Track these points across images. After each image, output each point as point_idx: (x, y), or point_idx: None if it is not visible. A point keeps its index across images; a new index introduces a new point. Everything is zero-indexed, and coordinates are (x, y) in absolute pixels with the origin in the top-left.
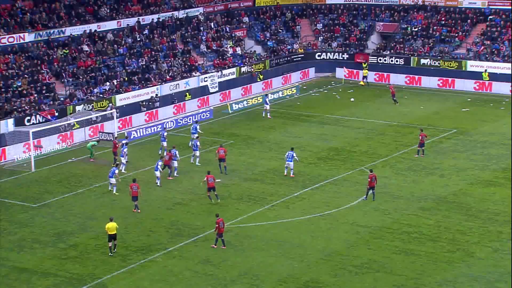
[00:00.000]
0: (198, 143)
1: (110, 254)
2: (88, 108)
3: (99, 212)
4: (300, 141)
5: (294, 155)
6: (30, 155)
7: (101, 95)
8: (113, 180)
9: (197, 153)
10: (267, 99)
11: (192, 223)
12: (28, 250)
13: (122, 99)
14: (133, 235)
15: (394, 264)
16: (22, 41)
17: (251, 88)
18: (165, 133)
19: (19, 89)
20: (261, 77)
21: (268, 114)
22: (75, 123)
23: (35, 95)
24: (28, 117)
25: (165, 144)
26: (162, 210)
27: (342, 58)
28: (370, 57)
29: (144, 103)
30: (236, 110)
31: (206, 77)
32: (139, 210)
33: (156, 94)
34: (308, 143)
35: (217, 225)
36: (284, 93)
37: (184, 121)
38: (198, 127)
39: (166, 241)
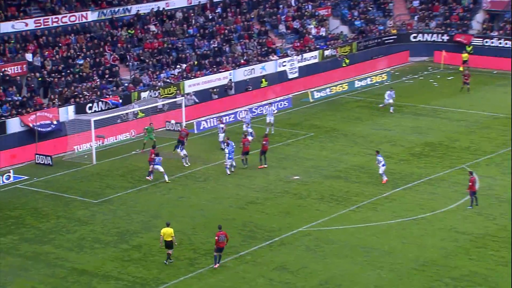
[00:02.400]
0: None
1: (165, 262)
2: (154, 95)
3: (164, 210)
4: (390, 135)
5: (381, 159)
6: (91, 146)
7: (168, 81)
8: (160, 168)
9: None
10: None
11: (267, 224)
12: (88, 250)
13: (191, 85)
14: (201, 237)
15: (500, 278)
16: (84, 20)
17: (336, 74)
18: (249, 118)
19: (80, 73)
20: (347, 61)
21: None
22: (139, 111)
23: (97, 79)
24: (90, 104)
25: (250, 130)
26: (234, 209)
27: (441, 40)
28: (474, 38)
29: (215, 90)
30: (317, 99)
31: (285, 62)
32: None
33: (230, 80)
34: (400, 137)
35: (216, 238)
36: (373, 79)
37: (260, 111)
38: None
39: (237, 244)
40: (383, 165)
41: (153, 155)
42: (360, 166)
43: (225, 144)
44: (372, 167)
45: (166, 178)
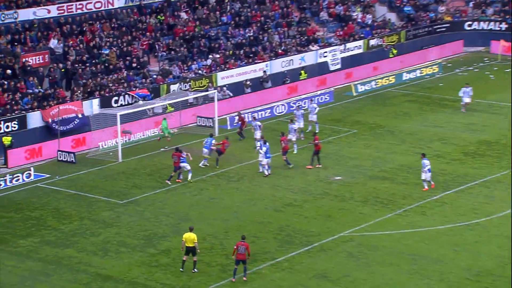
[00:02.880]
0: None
1: (181, 269)
2: (185, 87)
3: (194, 212)
4: (441, 132)
5: (427, 163)
6: (117, 143)
7: (200, 72)
8: (187, 166)
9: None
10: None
11: (306, 229)
12: (114, 254)
13: (225, 77)
14: (234, 241)
15: None
16: (110, 6)
17: (382, 65)
18: (301, 111)
19: (106, 63)
20: (395, 52)
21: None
22: (168, 105)
23: (124, 71)
24: (116, 97)
25: (302, 125)
26: (270, 212)
27: (498, 29)
28: None
29: (248, 83)
30: (361, 92)
31: (326, 52)
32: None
33: (264, 71)
34: (452, 135)
35: (235, 248)
36: (423, 71)
37: (298, 106)
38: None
39: (274, 249)
40: (428, 171)
41: (175, 157)
42: (407, 166)
43: (262, 142)
44: (421, 167)
45: (190, 176)
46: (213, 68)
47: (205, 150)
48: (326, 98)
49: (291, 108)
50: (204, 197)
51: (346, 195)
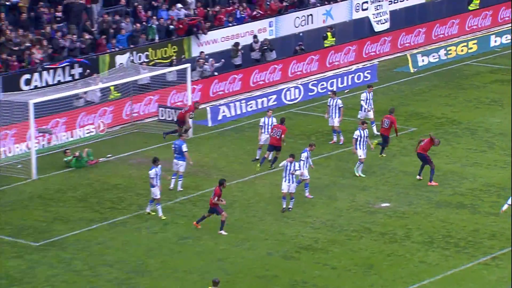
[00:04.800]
0: None
1: None
2: (139, 59)
3: (154, 261)
4: None
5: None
6: (29, 149)
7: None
8: (156, 192)
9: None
10: (369, 95)
11: (335, 286)
12: None
13: (205, 42)
14: None
15: None
16: None
17: (457, 23)
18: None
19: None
20: (477, 2)
21: (374, 129)
22: (112, 89)
23: (47, 26)
24: (27, 75)
25: (336, 123)
26: (276, 259)
27: None
28: None
29: (238, 52)
30: (423, 68)
31: (367, 3)
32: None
33: (265, 39)
34: None
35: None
36: None
37: (322, 88)
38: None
39: None
40: None
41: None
42: (498, 185)
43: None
44: None
45: (160, 212)
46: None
47: (178, 163)
48: (366, 77)
49: (311, 94)
50: (171, 236)
51: (400, 232)
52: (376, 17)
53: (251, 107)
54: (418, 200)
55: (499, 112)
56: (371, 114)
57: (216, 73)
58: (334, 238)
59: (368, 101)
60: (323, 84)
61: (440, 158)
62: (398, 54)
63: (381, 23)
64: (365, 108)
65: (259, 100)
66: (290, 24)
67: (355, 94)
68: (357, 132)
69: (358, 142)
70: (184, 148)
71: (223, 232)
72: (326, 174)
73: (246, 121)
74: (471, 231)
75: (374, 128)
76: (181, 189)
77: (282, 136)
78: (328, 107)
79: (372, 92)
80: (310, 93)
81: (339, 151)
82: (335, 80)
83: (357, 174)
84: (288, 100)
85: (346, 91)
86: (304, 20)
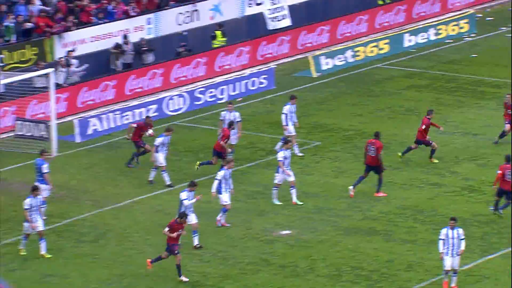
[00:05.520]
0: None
1: None
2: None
3: None
4: (478, 144)
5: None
6: None
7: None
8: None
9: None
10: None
11: None
12: None
13: (72, 42)
14: None
15: None
16: None
17: (366, 20)
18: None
19: None
20: None
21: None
22: None
23: None
24: None
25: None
26: None
27: None
28: None
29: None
30: (328, 72)
31: None
32: None
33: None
34: (498, 149)
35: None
36: (441, 32)
37: (211, 96)
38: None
39: None
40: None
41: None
42: (414, 207)
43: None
44: (446, 208)
45: (44, 248)
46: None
47: (42, 187)
48: (262, 83)
49: (197, 103)
50: (31, 274)
51: (302, 264)
52: (273, 13)
53: (127, 119)
54: (324, 227)
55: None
56: (293, 131)
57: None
58: (227, 273)
59: (291, 114)
60: (211, 92)
61: (348, 177)
62: (299, 56)
63: (278, 20)
64: (289, 124)
65: (137, 111)
66: (171, 21)
67: (249, 103)
68: (281, 154)
69: (284, 165)
70: (45, 169)
71: (183, 278)
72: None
73: (121, 136)
74: (385, 261)
75: (296, 148)
76: (45, 218)
77: (222, 142)
78: (222, 121)
79: (295, 105)
80: (196, 102)
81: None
82: (225, 87)
83: (274, 201)
84: (171, 111)
85: (238, 100)
86: (189, 16)
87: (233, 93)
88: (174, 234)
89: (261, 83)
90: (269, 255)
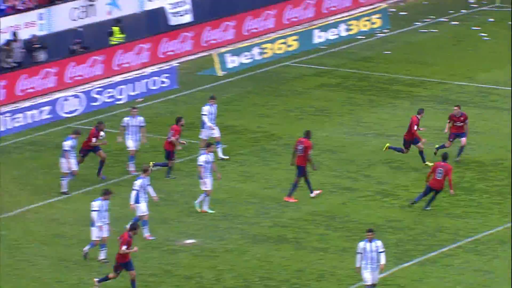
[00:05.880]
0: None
1: None
2: None
3: None
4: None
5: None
6: None
7: None
8: None
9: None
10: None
11: None
12: None
13: None
14: None
15: None
16: None
17: (273, 15)
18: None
19: None
20: None
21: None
22: None
23: None
24: None
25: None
26: None
27: None
28: None
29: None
30: (234, 70)
31: None
32: None
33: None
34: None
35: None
36: (352, 27)
37: (109, 97)
38: None
39: None
40: None
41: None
42: (327, 213)
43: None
44: (359, 214)
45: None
46: None
47: None
48: (163, 82)
49: (94, 104)
50: None
51: (208, 275)
52: (174, 8)
53: (17, 121)
54: (230, 235)
55: (327, 124)
56: (216, 133)
57: None
58: (128, 285)
59: (211, 116)
60: (109, 92)
61: (256, 182)
62: (203, 54)
63: (180, 15)
64: (208, 126)
65: (28, 113)
66: (65, 16)
67: (150, 104)
68: (202, 158)
69: (205, 170)
70: None
71: None
72: (115, 205)
73: (12, 140)
74: (295, 271)
75: (220, 151)
76: None
77: (173, 138)
78: (124, 128)
79: (216, 105)
80: (93, 103)
81: (129, 177)
82: (124, 86)
83: (199, 210)
84: (66, 112)
85: (138, 100)
86: (84, 11)
87: (132, 93)
88: (133, 249)
89: (162, 82)
90: (172, 266)
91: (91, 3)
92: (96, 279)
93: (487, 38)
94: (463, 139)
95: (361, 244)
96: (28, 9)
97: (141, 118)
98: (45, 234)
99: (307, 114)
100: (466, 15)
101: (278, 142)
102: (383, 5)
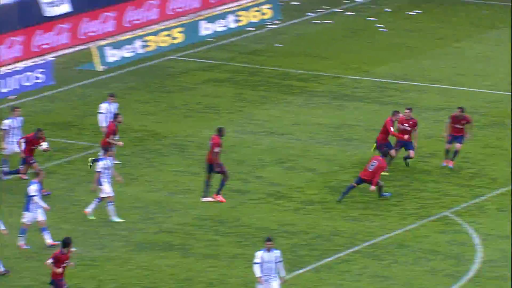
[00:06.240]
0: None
1: None
2: None
3: None
4: (282, 145)
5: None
6: None
7: None
8: None
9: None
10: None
11: None
12: None
13: None
14: None
15: None
16: None
17: (158, 4)
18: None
19: None
20: None
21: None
22: None
23: None
24: None
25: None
26: None
27: None
28: None
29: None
30: (115, 64)
31: None
32: None
33: None
34: (305, 149)
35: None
36: (241, 18)
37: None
38: None
39: None
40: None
41: None
42: (216, 218)
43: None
44: (250, 218)
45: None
46: None
47: None
48: (38, 78)
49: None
50: None
51: (88, 285)
52: None
53: None
54: (112, 242)
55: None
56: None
57: None
58: None
59: (109, 114)
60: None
61: (140, 185)
62: (81, 47)
63: (55, 6)
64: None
65: None
66: None
67: (24, 101)
68: (102, 163)
69: (104, 176)
70: None
71: None
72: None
73: None
74: (183, 280)
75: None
76: None
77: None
78: (5, 131)
79: (116, 104)
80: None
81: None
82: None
83: (90, 217)
84: None
85: (10, 97)
86: None
87: (4, 90)
88: (60, 269)
89: (37, 78)
90: (49, 277)
91: None
92: None
93: (384, 30)
94: (411, 152)
95: (259, 254)
96: None
97: (20, 118)
98: None
99: (195, 111)
100: (362, 5)
101: (163, 142)
102: None
